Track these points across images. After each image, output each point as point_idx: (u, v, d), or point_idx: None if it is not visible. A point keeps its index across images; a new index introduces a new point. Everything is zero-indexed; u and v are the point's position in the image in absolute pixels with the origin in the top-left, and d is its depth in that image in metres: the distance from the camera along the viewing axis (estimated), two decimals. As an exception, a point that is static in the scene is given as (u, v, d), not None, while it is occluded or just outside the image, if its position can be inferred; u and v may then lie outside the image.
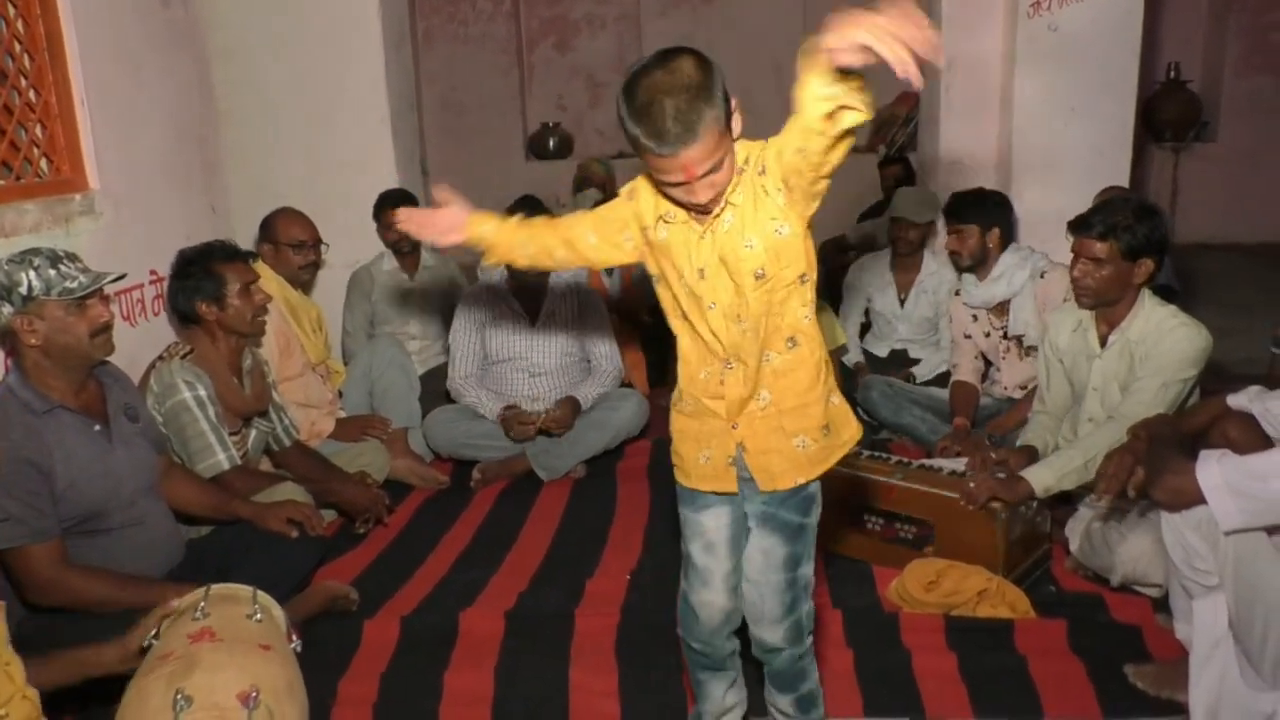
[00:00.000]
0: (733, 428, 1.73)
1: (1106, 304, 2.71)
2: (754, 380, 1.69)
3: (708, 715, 1.98)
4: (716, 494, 1.80)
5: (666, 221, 1.68)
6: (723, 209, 1.62)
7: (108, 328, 2.33)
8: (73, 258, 2.29)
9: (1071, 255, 2.70)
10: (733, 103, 1.54)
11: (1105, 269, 2.63)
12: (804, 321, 1.68)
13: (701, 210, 1.61)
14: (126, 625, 1.96)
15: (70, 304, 2.23)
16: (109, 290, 3.05)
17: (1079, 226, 2.68)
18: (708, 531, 1.82)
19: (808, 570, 1.79)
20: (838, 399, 1.77)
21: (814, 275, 1.67)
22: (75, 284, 2.23)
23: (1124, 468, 2.15)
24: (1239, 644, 1.99)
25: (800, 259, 1.64)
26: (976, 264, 3.48)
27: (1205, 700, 1.99)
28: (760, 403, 1.70)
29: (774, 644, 1.80)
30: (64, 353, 2.25)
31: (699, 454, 1.78)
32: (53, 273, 2.21)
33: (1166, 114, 7.88)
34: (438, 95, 8.44)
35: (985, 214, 3.43)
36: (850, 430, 1.80)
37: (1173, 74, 7.86)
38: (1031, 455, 2.84)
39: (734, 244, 1.62)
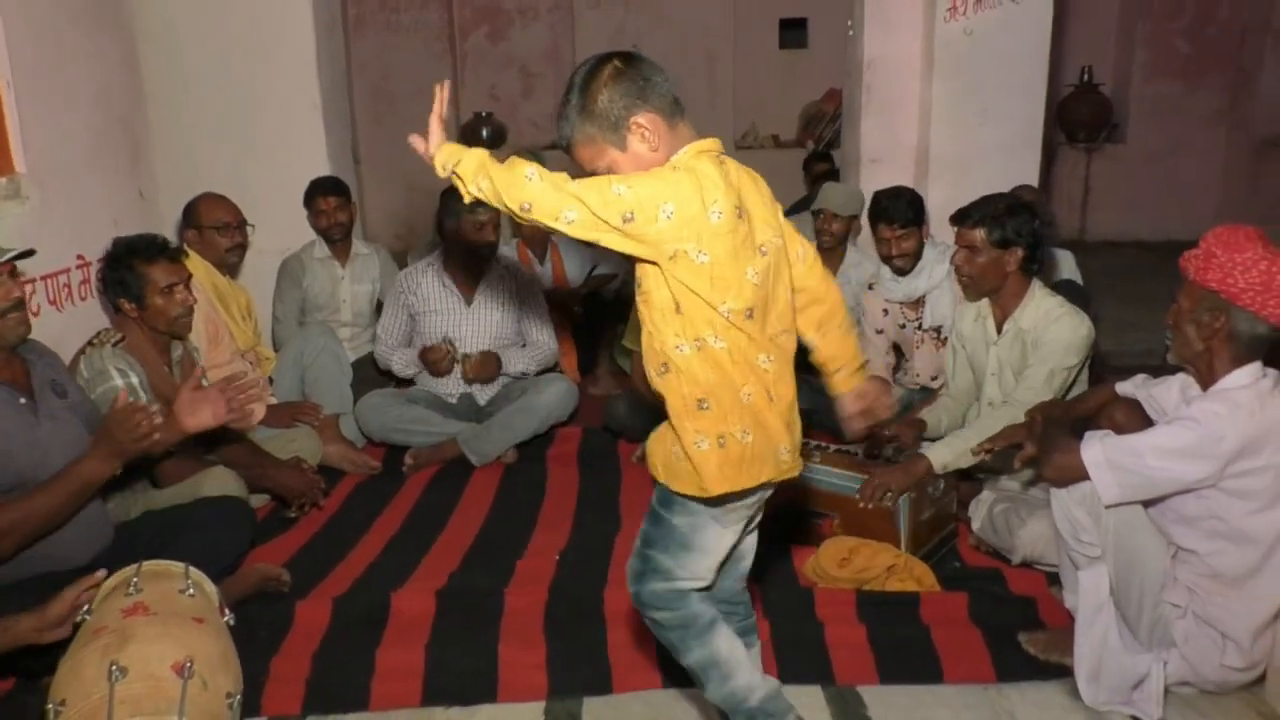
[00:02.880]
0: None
1: (986, 291, 2.93)
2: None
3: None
4: None
5: None
6: None
7: (19, 305, 2.32)
8: None
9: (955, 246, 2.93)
10: (629, 122, 1.66)
11: (980, 256, 2.86)
12: (674, 352, 1.68)
13: None
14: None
15: None
16: (36, 274, 3.05)
17: (958, 218, 2.91)
18: None
19: (659, 557, 1.79)
20: (708, 445, 1.69)
21: (697, 311, 1.66)
22: None
23: (1010, 437, 2.43)
24: (1119, 610, 2.16)
25: (663, 288, 1.66)
26: (915, 263, 3.59)
27: (1088, 662, 2.16)
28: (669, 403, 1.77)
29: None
30: None
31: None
32: None
33: (1079, 116, 8.21)
34: (369, 83, 8.38)
35: (920, 213, 3.57)
36: (683, 485, 1.73)
37: (1086, 77, 8.19)
38: (919, 427, 3.05)
39: None
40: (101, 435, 2.30)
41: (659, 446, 1.78)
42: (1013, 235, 2.82)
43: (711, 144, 1.72)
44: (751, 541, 1.92)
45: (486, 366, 3.83)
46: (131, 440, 2.24)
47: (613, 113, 1.67)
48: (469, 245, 3.78)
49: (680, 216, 1.60)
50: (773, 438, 1.73)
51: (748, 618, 1.98)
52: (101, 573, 1.97)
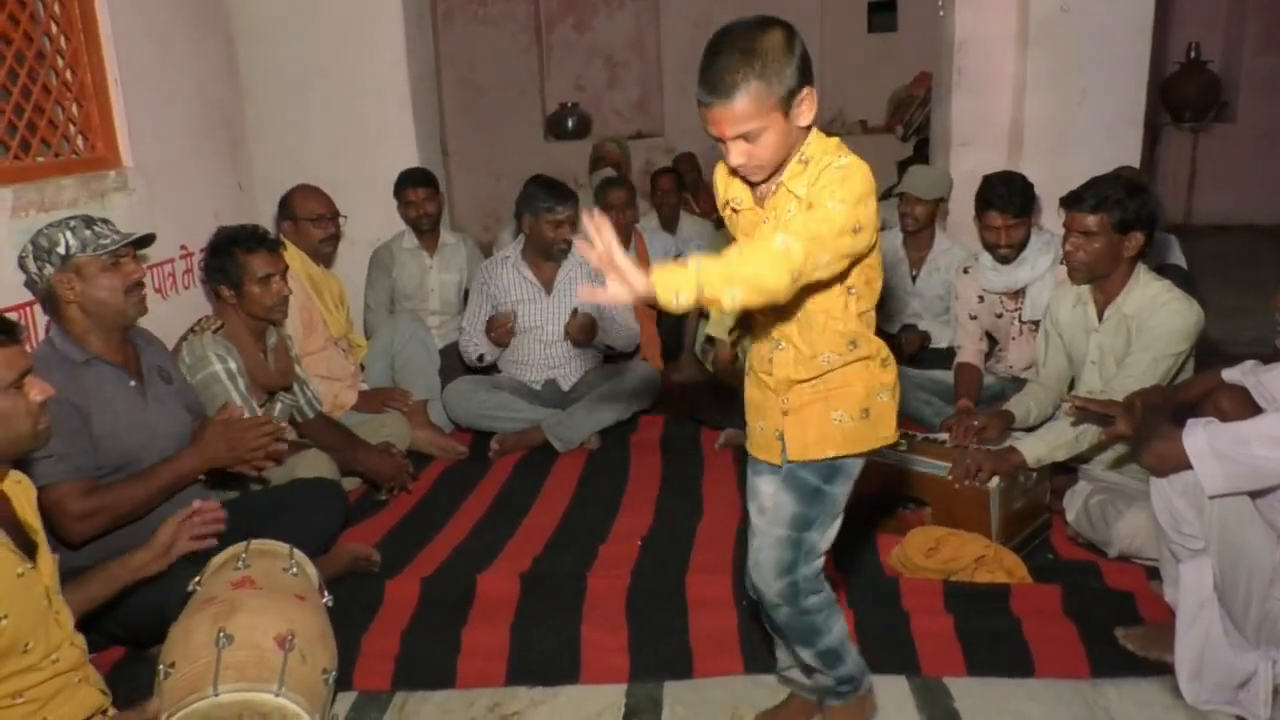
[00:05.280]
0: (781, 402, 1.78)
1: (1097, 278, 2.77)
2: (807, 365, 1.73)
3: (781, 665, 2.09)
4: (766, 463, 1.87)
5: (734, 210, 1.77)
6: (776, 192, 1.68)
7: (140, 285, 2.46)
8: (105, 221, 2.43)
9: (1064, 230, 2.77)
10: (804, 91, 1.60)
11: (1097, 242, 2.69)
12: (855, 322, 1.72)
13: (748, 182, 1.72)
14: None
15: (105, 261, 2.36)
16: (143, 264, 3.18)
17: (1071, 202, 2.74)
18: (760, 495, 1.90)
19: (814, 537, 1.80)
20: (887, 398, 1.79)
21: (861, 283, 1.70)
22: (109, 240, 2.37)
23: (1107, 406, 2.32)
24: (1223, 605, 2.07)
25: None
26: (1019, 253, 3.44)
27: (1190, 660, 2.07)
28: (811, 384, 1.75)
29: (769, 598, 1.82)
30: (100, 308, 2.37)
31: (756, 423, 1.87)
32: (88, 233, 2.36)
33: (1185, 94, 7.86)
34: (457, 75, 8.52)
35: (1031, 201, 3.42)
36: (887, 430, 1.81)
37: (1193, 54, 7.82)
38: (1007, 419, 2.94)
39: None
40: (202, 436, 2.46)
41: (807, 427, 1.76)
42: (1133, 218, 2.66)
43: None
44: None
45: (587, 330, 3.83)
46: (228, 451, 2.44)
47: (797, 81, 1.60)
48: (546, 243, 3.82)
49: None
50: None
51: None
52: (196, 502, 2.12)
